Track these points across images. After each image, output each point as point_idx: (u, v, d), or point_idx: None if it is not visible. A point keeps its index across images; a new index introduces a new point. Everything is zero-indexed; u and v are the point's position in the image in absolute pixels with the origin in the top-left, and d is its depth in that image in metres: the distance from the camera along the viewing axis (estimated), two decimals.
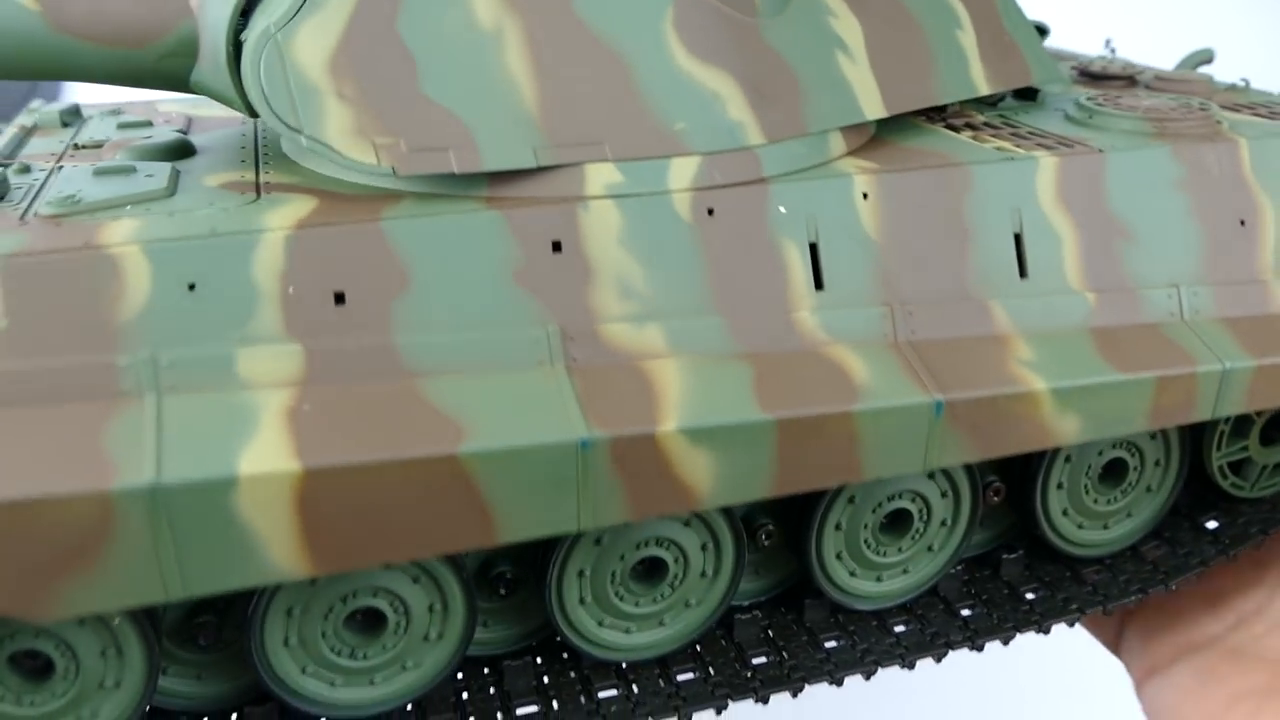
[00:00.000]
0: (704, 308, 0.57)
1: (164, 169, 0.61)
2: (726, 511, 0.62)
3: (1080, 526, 0.73)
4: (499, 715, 0.61)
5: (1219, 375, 0.63)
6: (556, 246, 0.56)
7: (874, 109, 0.65)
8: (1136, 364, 0.62)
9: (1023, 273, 0.63)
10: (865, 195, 0.61)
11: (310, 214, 0.55)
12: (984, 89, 0.73)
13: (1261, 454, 0.75)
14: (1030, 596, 0.72)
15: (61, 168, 0.63)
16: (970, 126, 0.71)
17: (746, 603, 0.69)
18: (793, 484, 0.57)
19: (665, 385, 0.55)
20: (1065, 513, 0.72)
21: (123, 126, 0.73)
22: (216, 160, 0.64)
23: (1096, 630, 0.82)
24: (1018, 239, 0.63)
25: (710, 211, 0.58)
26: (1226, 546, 0.75)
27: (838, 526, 0.66)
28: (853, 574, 0.68)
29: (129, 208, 0.56)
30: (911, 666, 0.67)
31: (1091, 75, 0.88)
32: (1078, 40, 1.08)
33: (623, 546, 0.62)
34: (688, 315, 0.57)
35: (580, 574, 0.61)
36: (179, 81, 0.61)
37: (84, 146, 0.70)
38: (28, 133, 0.75)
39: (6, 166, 0.64)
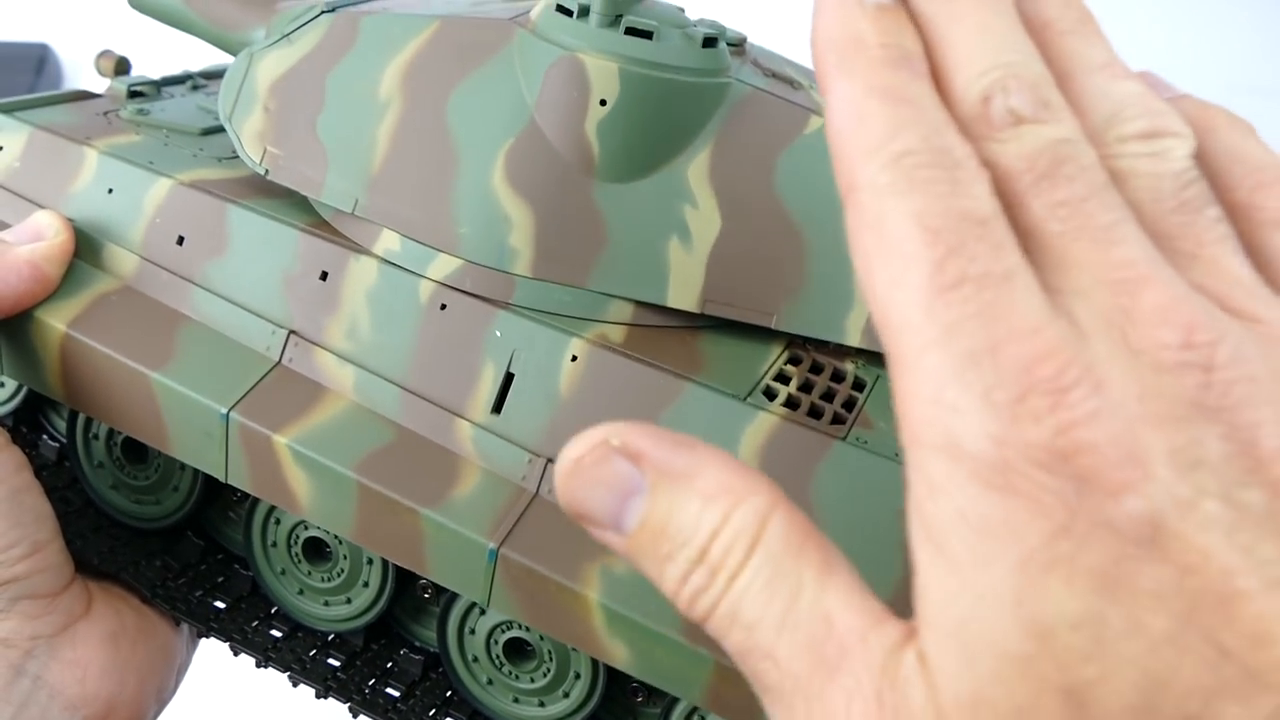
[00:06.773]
0: (395, 376, 0.68)
1: None
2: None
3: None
4: None
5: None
6: (324, 275, 0.70)
7: (683, 301, 0.68)
8: None
9: None
10: (574, 358, 0.65)
11: (215, 179, 0.75)
12: (853, 340, 0.70)
13: None
14: None
15: (204, 93, 0.90)
16: (814, 368, 0.69)
17: None
18: (370, 541, 0.67)
19: (320, 412, 0.68)
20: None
21: None
22: None
23: None
24: None
25: (443, 307, 0.67)
26: None
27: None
28: None
29: (164, 132, 0.81)
30: None
31: None
32: None
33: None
34: (379, 375, 0.68)
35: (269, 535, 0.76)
36: None
37: None
38: None
39: (196, 81, 0.93)
